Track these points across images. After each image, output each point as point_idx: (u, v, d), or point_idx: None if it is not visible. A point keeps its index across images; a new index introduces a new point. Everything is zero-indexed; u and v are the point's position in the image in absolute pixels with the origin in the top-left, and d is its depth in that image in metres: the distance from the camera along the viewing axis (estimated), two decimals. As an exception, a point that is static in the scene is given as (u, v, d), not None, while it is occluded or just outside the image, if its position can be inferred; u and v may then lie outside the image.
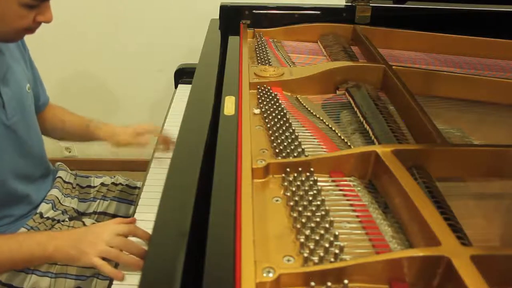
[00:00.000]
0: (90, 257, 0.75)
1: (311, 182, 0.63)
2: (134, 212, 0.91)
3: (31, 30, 0.83)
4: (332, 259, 0.50)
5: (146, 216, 0.89)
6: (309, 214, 0.57)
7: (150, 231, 0.76)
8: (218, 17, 1.31)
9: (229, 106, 0.81)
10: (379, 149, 0.66)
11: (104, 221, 1.08)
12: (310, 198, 0.60)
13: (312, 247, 0.51)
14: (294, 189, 0.62)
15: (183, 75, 1.46)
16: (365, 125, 0.81)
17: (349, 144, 0.76)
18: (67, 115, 1.17)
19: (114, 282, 0.74)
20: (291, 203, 0.59)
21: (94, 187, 1.17)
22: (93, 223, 1.01)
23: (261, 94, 0.88)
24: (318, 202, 0.59)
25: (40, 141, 1.04)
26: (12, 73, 0.91)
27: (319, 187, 0.63)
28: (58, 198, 1.05)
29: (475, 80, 0.99)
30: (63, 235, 0.80)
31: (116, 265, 0.77)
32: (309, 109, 0.88)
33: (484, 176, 0.71)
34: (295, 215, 0.57)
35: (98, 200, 1.13)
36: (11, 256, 0.79)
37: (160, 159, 1.08)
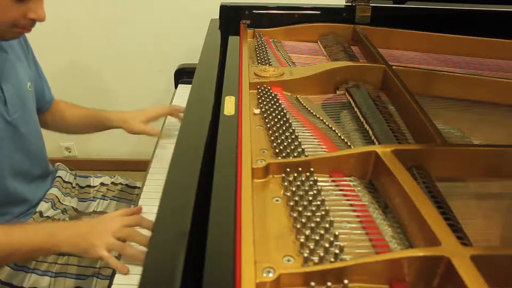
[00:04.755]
0: (97, 249, 0.77)
1: (311, 182, 0.63)
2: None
3: (24, 28, 0.82)
4: (332, 259, 0.50)
5: (146, 216, 0.89)
6: (309, 214, 0.57)
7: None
8: (218, 17, 1.31)
9: (229, 106, 0.81)
10: (379, 149, 0.66)
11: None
12: (310, 198, 0.60)
13: (312, 247, 0.51)
14: (294, 189, 0.62)
15: (183, 75, 1.46)
16: (365, 125, 0.81)
17: (349, 144, 0.76)
18: (74, 108, 1.19)
19: (114, 282, 0.74)
20: (291, 203, 0.59)
21: (94, 186, 1.17)
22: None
23: (261, 94, 0.88)
24: (318, 202, 0.59)
25: (40, 139, 1.04)
26: (14, 71, 0.92)
27: (319, 187, 0.63)
28: (57, 197, 1.06)
29: (475, 80, 0.99)
30: (72, 226, 0.82)
31: (119, 257, 0.78)
32: (309, 109, 0.88)
33: (484, 176, 0.71)
34: (295, 215, 0.57)
35: (98, 200, 1.13)
36: (20, 248, 0.80)
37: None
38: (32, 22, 0.82)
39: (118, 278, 0.75)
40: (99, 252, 0.76)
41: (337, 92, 0.97)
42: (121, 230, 0.78)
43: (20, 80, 0.94)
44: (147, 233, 0.80)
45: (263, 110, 0.82)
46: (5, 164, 0.91)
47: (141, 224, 0.80)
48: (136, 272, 0.76)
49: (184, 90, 1.41)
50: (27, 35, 0.88)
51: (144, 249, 0.77)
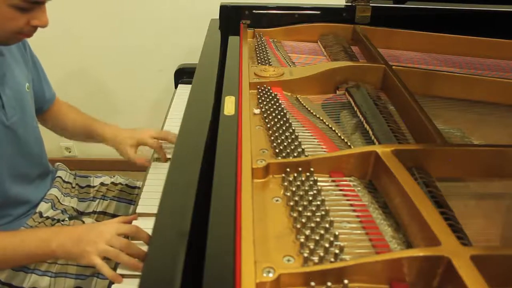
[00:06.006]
0: (90, 256, 0.75)
1: (311, 182, 0.63)
2: (134, 212, 0.91)
3: (25, 34, 0.82)
4: (332, 259, 0.50)
5: (145, 216, 0.89)
6: (309, 214, 0.57)
7: (149, 231, 0.76)
8: (218, 17, 1.31)
9: (229, 106, 0.81)
10: (379, 149, 0.66)
11: (104, 220, 1.08)
12: (310, 198, 0.60)
13: (312, 247, 0.51)
14: (294, 189, 0.62)
15: (183, 75, 1.46)
16: (365, 125, 0.81)
17: (349, 144, 0.76)
18: (74, 113, 1.18)
19: (114, 281, 0.74)
20: (291, 203, 0.59)
21: (94, 186, 1.17)
22: (93, 222, 1.01)
23: (261, 94, 0.88)
24: (318, 202, 0.59)
25: (39, 140, 1.04)
26: (11, 73, 0.92)
27: (319, 187, 0.63)
28: (57, 198, 1.05)
29: (475, 80, 0.99)
30: (66, 232, 0.80)
31: (116, 265, 0.77)
32: (309, 109, 0.88)
33: (484, 176, 0.71)
34: (295, 215, 0.57)
35: (98, 200, 1.13)
36: (14, 253, 0.79)
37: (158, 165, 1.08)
38: (35, 28, 0.82)
39: (118, 278, 0.75)
40: (92, 260, 0.75)
41: (337, 92, 0.97)
42: (115, 239, 0.76)
43: (18, 82, 0.93)
44: (142, 245, 0.78)
45: (263, 110, 0.82)
46: (4, 168, 0.91)
47: (137, 234, 0.78)
48: (135, 275, 0.75)
49: (184, 90, 1.41)
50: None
51: (136, 260, 0.75)
